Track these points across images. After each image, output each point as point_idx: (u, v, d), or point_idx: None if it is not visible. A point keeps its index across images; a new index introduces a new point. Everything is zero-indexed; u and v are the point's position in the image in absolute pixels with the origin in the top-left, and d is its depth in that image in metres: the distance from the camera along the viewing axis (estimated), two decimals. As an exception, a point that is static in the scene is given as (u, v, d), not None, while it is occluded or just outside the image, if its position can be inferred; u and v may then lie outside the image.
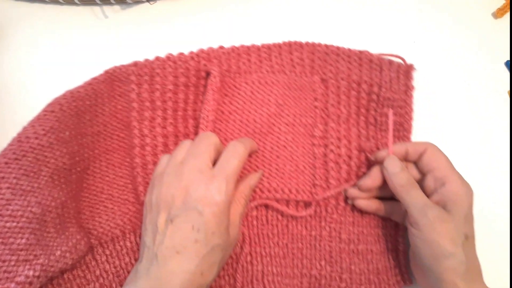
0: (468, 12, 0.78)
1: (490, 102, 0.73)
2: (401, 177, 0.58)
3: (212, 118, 0.63)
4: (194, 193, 0.53)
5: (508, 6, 0.76)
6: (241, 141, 0.59)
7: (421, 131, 0.69)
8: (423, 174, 0.61)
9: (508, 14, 0.77)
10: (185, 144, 0.59)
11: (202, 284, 0.52)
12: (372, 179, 0.62)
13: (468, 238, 0.54)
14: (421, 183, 0.60)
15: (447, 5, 0.78)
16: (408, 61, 0.70)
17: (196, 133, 0.65)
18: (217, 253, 0.53)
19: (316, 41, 0.70)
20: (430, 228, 0.54)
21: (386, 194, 0.63)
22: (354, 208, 0.65)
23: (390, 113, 0.63)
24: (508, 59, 0.75)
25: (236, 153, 0.56)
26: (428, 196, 0.58)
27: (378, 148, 0.66)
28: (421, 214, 0.55)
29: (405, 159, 0.62)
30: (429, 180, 0.59)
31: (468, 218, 0.56)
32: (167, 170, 0.57)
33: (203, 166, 0.55)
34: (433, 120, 0.71)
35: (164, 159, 0.60)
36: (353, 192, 0.63)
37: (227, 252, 0.56)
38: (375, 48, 0.71)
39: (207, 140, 0.57)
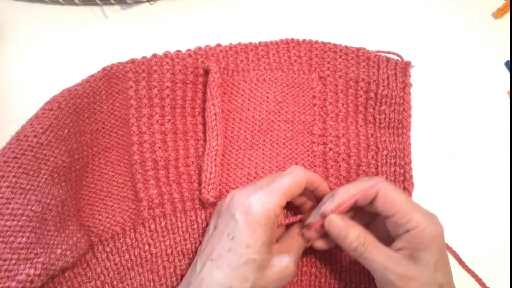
0: (468, 12, 0.78)
1: (490, 102, 0.73)
2: (349, 242, 0.51)
3: (220, 114, 0.63)
4: (236, 200, 0.53)
5: (508, 6, 0.76)
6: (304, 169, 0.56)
7: (420, 130, 0.69)
8: (378, 216, 0.54)
9: (508, 14, 0.77)
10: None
11: None
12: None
13: (443, 287, 0.50)
14: (378, 226, 0.56)
15: (447, 5, 0.78)
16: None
17: (195, 131, 0.65)
18: (251, 269, 0.49)
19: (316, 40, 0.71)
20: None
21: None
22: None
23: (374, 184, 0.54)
24: (508, 59, 0.75)
25: (292, 173, 0.54)
26: (390, 242, 0.52)
27: (377, 147, 0.66)
28: (383, 278, 0.50)
29: (356, 205, 0.54)
30: (389, 225, 0.53)
31: (440, 264, 0.50)
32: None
33: (259, 183, 0.55)
34: (432, 120, 0.71)
35: None
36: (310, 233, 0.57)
37: (266, 276, 0.51)
38: (375, 48, 0.71)
39: (291, 169, 0.56)
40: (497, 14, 0.77)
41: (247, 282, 0.49)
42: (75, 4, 0.73)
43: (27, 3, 0.74)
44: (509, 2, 0.76)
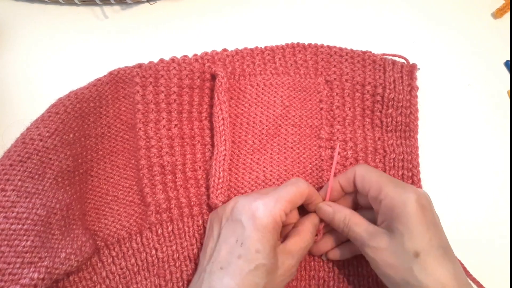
0: (468, 12, 0.78)
1: (490, 102, 0.73)
2: (336, 225, 0.57)
3: (228, 118, 0.63)
4: (241, 204, 0.53)
5: (508, 6, 0.76)
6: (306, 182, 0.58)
7: (419, 131, 0.69)
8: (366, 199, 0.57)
9: (507, 14, 0.77)
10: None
11: None
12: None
13: (420, 255, 0.49)
14: (370, 210, 0.58)
15: (447, 5, 0.78)
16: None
17: (202, 135, 0.65)
18: (261, 274, 0.49)
19: (317, 41, 0.70)
20: (374, 262, 0.52)
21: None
22: None
23: (336, 150, 0.64)
24: (508, 59, 0.75)
25: (296, 184, 0.55)
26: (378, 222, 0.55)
27: (385, 151, 0.66)
28: (363, 252, 0.54)
29: (345, 192, 0.60)
30: (372, 203, 0.56)
31: (418, 231, 0.49)
32: None
33: (262, 191, 0.57)
34: (431, 120, 0.71)
35: None
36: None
37: (274, 279, 0.52)
38: (375, 48, 0.71)
39: (294, 180, 0.57)
40: (497, 14, 0.77)
41: (257, 287, 0.49)
42: (75, 4, 0.73)
43: (27, 3, 0.74)
44: (508, 2, 0.77)
